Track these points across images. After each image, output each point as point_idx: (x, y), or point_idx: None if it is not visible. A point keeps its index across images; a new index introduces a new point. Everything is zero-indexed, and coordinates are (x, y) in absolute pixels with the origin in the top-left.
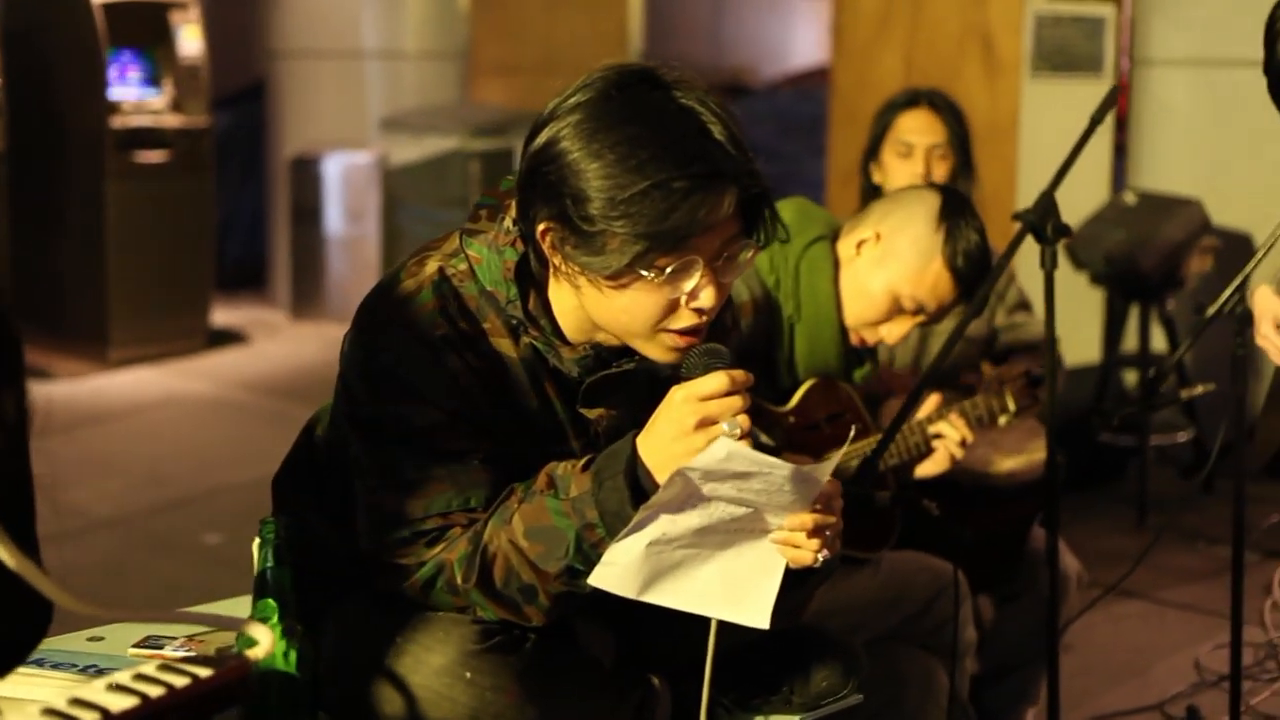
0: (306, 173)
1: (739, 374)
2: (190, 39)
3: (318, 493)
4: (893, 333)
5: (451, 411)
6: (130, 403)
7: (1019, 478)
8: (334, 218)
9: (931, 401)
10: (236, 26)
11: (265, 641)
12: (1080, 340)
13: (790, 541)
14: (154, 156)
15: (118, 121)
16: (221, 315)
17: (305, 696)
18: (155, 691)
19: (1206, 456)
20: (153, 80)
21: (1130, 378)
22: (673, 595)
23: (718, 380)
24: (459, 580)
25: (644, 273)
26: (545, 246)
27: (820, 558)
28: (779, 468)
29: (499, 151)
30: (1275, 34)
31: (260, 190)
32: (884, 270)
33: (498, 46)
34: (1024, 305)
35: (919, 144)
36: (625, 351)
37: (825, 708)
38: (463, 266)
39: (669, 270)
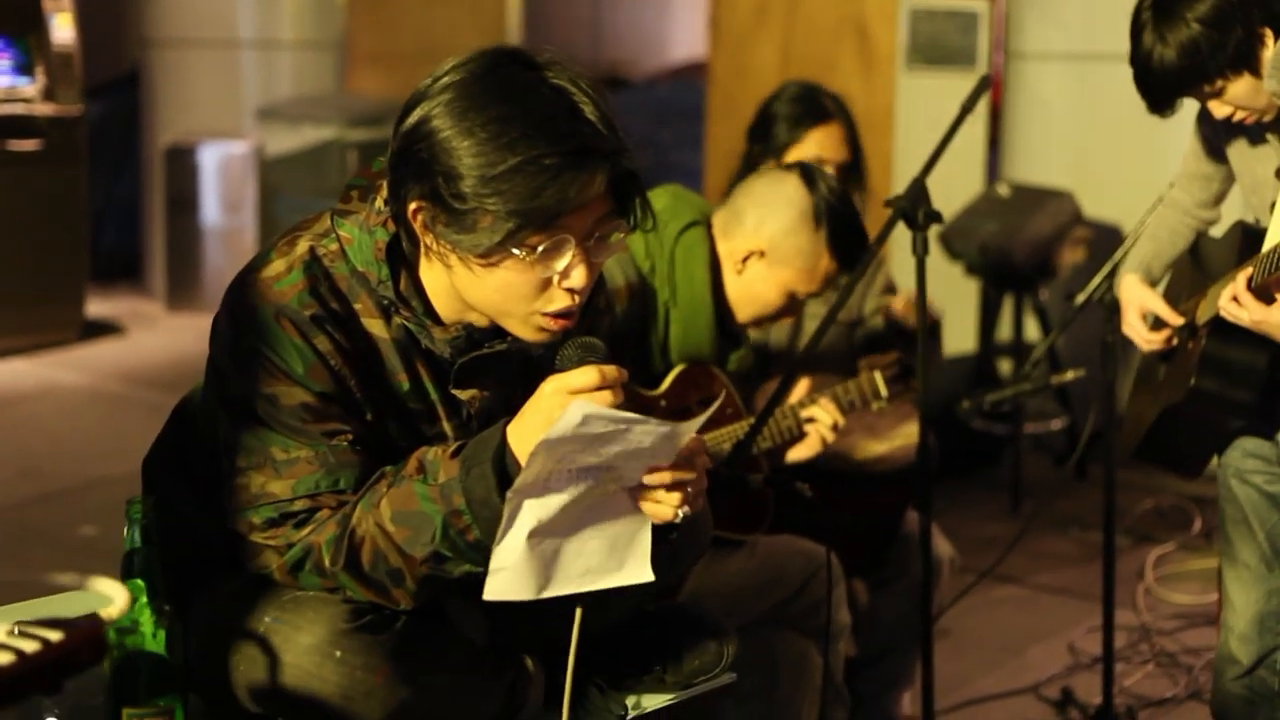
0: (182, 162)
1: (610, 369)
2: (62, 26)
3: (188, 474)
4: (790, 317)
5: (321, 392)
6: (3, 395)
7: (890, 462)
8: (210, 208)
9: (802, 386)
10: (110, 14)
11: (119, 600)
12: (956, 330)
13: (649, 498)
14: (26, 145)
15: None
16: (96, 306)
17: (175, 677)
18: (5, 659)
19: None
20: (24, 68)
21: (1005, 366)
22: (568, 582)
23: (588, 375)
24: (327, 563)
25: (515, 251)
26: (417, 226)
27: (681, 513)
28: (638, 422)
29: (377, 142)
30: (1141, 25)
31: (135, 180)
32: (776, 278)
33: (375, 36)
34: (891, 289)
35: (832, 161)
36: (497, 332)
37: (697, 686)
38: (334, 247)
39: (540, 249)
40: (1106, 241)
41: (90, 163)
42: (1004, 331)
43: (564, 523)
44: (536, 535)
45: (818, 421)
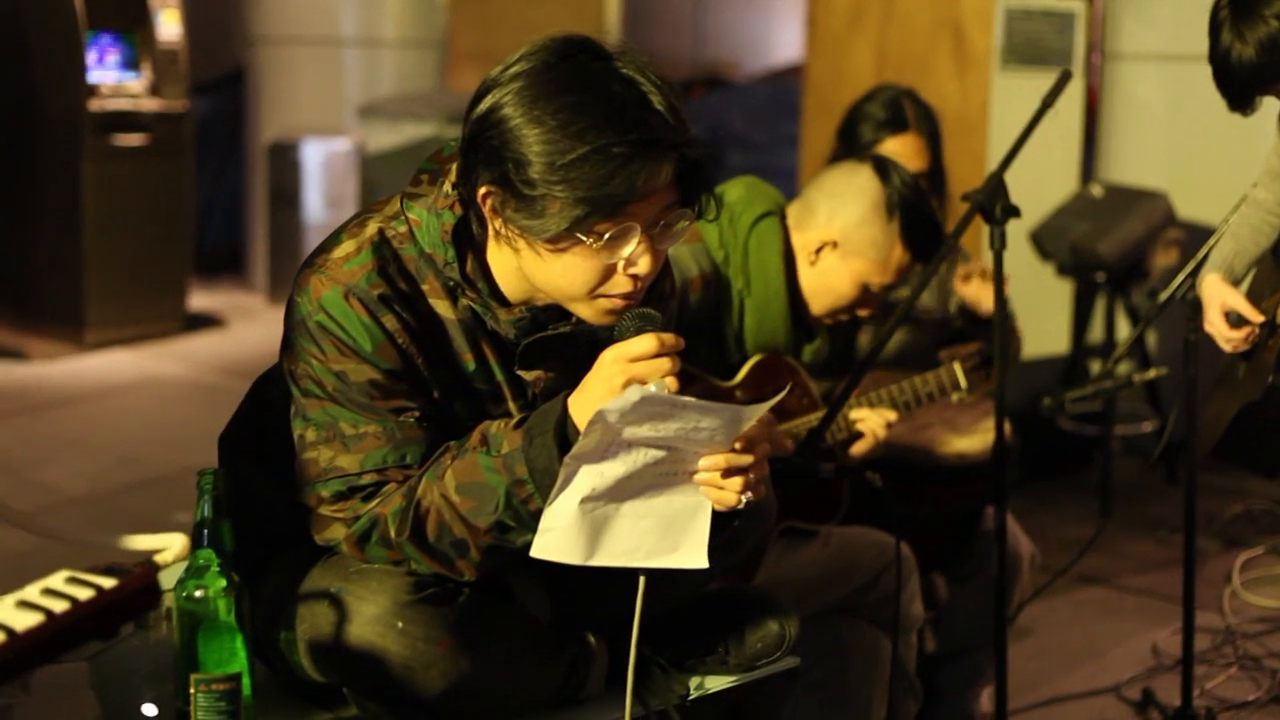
0: (285, 158)
1: (668, 337)
2: (169, 23)
3: (261, 449)
4: (866, 309)
5: (388, 370)
6: (105, 384)
7: (969, 458)
8: (313, 203)
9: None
10: (216, 11)
11: (175, 546)
12: (1049, 330)
13: (711, 482)
14: (132, 140)
15: (96, 104)
16: (199, 299)
17: (242, 646)
18: (60, 606)
19: (1169, 445)
20: (131, 64)
21: (1097, 367)
22: (615, 554)
23: (647, 342)
24: (393, 534)
25: (582, 237)
26: (486, 210)
27: (744, 499)
28: (695, 406)
29: None
30: (1220, 22)
31: (239, 175)
32: (849, 269)
33: (476, 34)
34: None
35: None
36: (562, 314)
37: (760, 669)
38: (402, 229)
39: (607, 236)
40: (1199, 244)
41: (195, 158)
42: (1096, 332)
43: (619, 494)
44: (589, 501)
45: (866, 420)
